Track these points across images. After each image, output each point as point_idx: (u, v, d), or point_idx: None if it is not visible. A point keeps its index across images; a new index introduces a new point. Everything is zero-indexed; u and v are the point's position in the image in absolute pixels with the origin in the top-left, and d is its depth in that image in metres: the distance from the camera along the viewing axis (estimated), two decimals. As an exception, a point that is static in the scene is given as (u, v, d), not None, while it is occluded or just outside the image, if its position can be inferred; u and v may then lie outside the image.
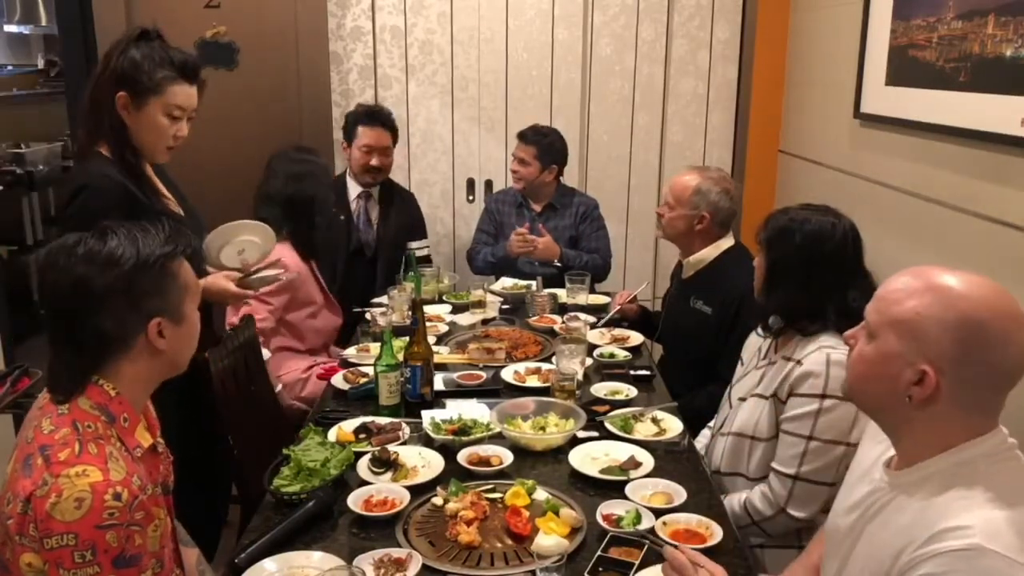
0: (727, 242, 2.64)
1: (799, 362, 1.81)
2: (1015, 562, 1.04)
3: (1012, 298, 1.15)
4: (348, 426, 2.00)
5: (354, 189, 3.34)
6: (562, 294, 3.05)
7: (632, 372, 2.39)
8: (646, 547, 1.49)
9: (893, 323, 1.18)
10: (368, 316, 2.79)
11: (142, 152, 1.97)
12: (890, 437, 1.27)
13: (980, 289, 1.15)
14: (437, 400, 2.18)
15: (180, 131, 1.99)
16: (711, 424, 2.21)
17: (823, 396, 1.75)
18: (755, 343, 2.10)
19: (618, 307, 2.85)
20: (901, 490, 1.21)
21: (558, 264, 3.29)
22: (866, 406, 1.30)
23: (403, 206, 3.44)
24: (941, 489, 1.14)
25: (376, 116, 3.26)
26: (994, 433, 1.17)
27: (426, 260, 3.43)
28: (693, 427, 2.27)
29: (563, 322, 2.71)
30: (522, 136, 3.41)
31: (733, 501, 1.90)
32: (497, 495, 1.70)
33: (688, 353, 2.64)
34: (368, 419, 2.03)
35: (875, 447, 1.36)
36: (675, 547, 1.38)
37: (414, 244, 3.36)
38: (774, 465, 1.84)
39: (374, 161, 3.25)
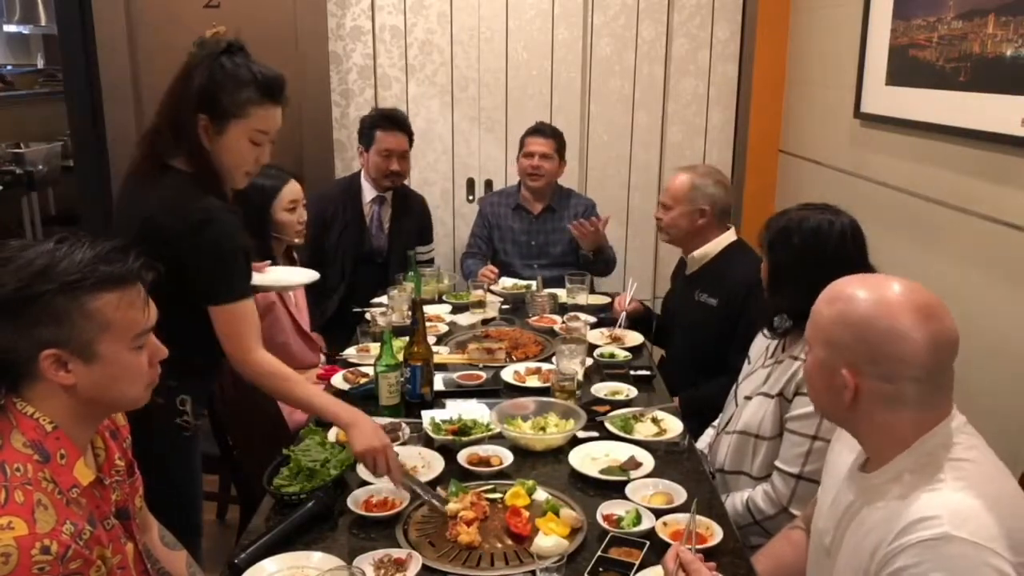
0: (730, 237, 2.69)
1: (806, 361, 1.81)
2: (983, 547, 1.07)
3: (926, 293, 1.19)
4: (348, 426, 1.99)
5: (369, 193, 3.32)
6: (562, 294, 3.05)
7: (632, 372, 2.38)
8: (646, 547, 1.49)
9: (817, 333, 1.26)
10: (368, 316, 2.78)
11: (220, 177, 1.80)
12: (856, 439, 1.30)
13: (880, 290, 1.20)
14: (437, 400, 2.18)
15: (262, 156, 1.81)
16: (715, 423, 2.21)
17: None
18: (763, 342, 2.10)
19: (623, 311, 2.82)
20: (874, 492, 1.23)
21: (589, 255, 3.24)
22: (826, 415, 1.36)
23: (414, 212, 3.44)
24: (909, 484, 1.17)
25: (394, 120, 3.25)
26: (946, 422, 1.20)
27: (428, 263, 3.44)
28: (703, 416, 2.28)
29: (563, 322, 2.71)
30: (539, 131, 3.39)
31: (736, 500, 1.90)
32: (497, 495, 1.70)
33: (695, 348, 2.65)
34: (368, 419, 2.02)
35: (847, 450, 1.38)
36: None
37: (420, 249, 3.37)
38: (778, 464, 1.84)
39: (394, 166, 3.23)
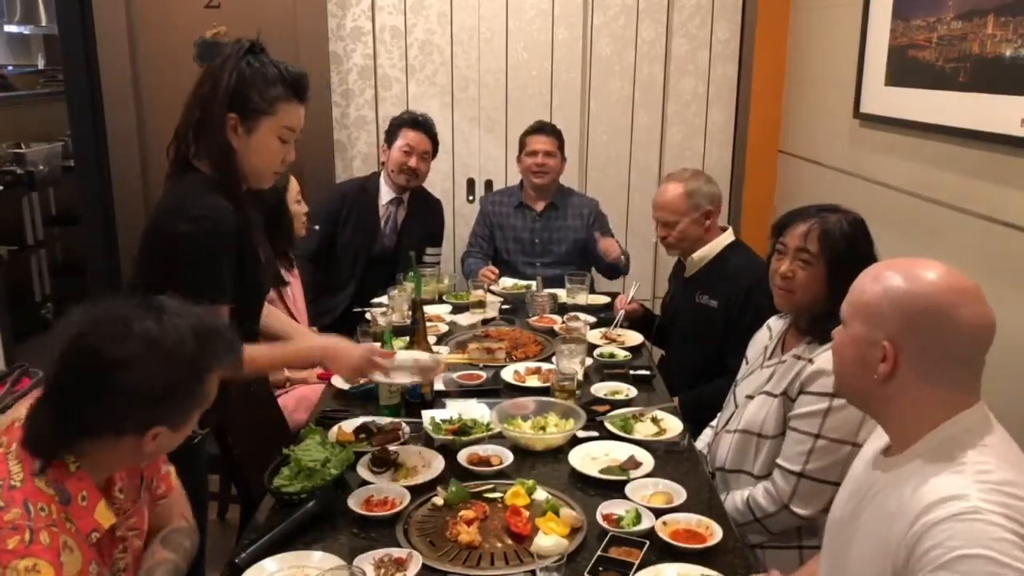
0: (728, 238, 2.69)
1: (811, 360, 1.82)
2: (1014, 519, 1.08)
3: (964, 278, 1.23)
4: (348, 426, 2.00)
5: (387, 194, 3.35)
6: (562, 294, 3.05)
7: (632, 372, 2.39)
8: (646, 547, 1.49)
9: (859, 309, 1.27)
10: (368, 316, 2.79)
11: (247, 178, 1.77)
12: (880, 424, 1.32)
13: (931, 270, 1.24)
14: (437, 400, 2.18)
15: (288, 155, 1.80)
16: (714, 423, 2.22)
17: (834, 395, 1.75)
18: (760, 342, 2.11)
19: (623, 311, 2.83)
20: (893, 474, 1.24)
21: (621, 260, 3.26)
22: (850, 395, 1.34)
23: (428, 216, 3.46)
24: (931, 467, 1.18)
25: (420, 123, 3.33)
26: (975, 409, 1.22)
27: (433, 265, 3.45)
28: (703, 417, 2.28)
29: (563, 322, 2.71)
30: (540, 129, 3.42)
31: (736, 497, 1.91)
32: (497, 495, 1.70)
33: (697, 350, 2.65)
34: (368, 419, 2.03)
35: (875, 444, 1.38)
36: None
37: (429, 250, 3.38)
38: (779, 461, 1.85)
39: (412, 162, 3.27)
